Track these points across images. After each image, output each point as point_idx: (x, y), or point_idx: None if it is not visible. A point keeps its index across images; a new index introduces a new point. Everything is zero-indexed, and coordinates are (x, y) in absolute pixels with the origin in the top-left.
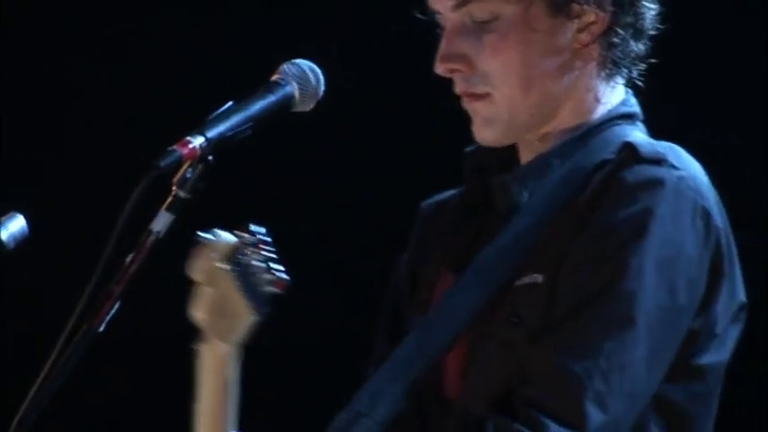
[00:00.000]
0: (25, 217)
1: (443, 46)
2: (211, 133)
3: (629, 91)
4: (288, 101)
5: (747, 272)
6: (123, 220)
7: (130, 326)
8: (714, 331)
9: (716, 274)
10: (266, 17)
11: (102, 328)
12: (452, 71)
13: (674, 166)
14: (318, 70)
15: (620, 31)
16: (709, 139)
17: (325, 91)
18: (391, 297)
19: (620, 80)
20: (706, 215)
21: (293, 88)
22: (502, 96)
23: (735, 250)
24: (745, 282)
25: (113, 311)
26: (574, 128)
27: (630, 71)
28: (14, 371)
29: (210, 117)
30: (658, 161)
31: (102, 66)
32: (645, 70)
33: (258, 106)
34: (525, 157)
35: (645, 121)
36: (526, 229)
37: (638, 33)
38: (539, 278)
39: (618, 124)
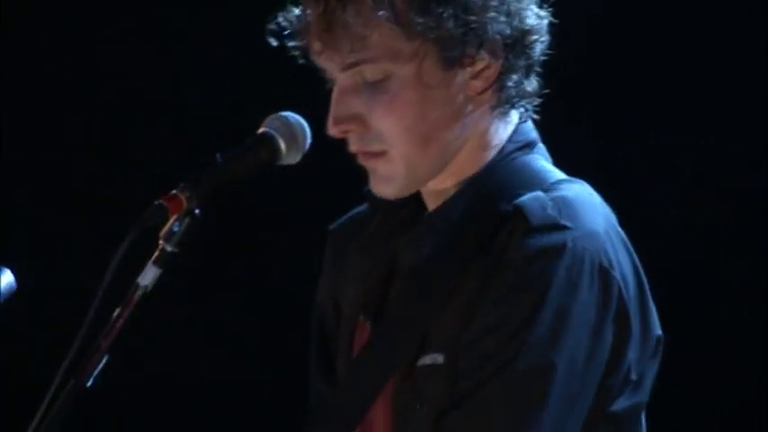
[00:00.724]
0: (12, 271)
1: (334, 108)
2: (198, 186)
3: (524, 117)
4: (274, 154)
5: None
6: (110, 274)
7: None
8: (629, 378)
9: (623, 327)
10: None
11: (89, 383)
12: (346, 132)
13: (566, 227)
14: (304, 122)
15: (513, 75)
16: (709, 140)
17: (311, 143)
18: (318, 325)
19: (515, 114)
20: (604, 273)
21: (279, 141)
22: (399, 154)
23: (645, 286)
24: (745, 285)
25: (101, 365)
26: (470, 170)
27: (525, 107)
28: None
29: (197, 171)
30: (549, 227)
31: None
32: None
33: (244, 160)
34: (427, 196)
35: (546, 141)
36: (427, 294)
37: (529, 70)
38: (439, 358)
39: (513, 158)
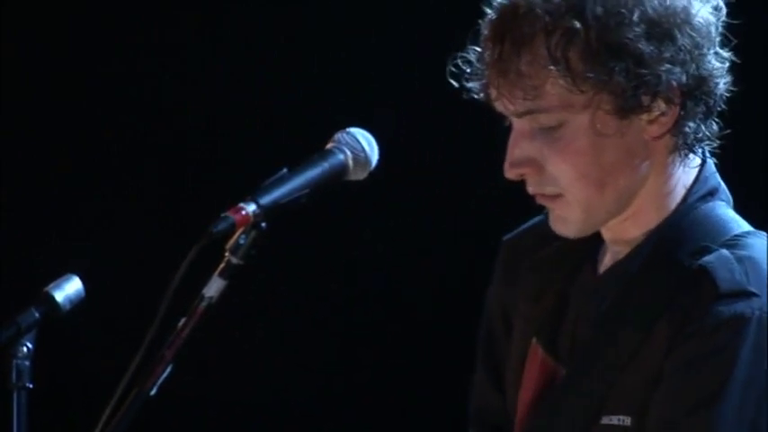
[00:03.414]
0: (81, 279)
1: (510, 152)
2: (264, 200)
3: (707, 160)
4: (341, 169)
5: None
6: (175, 284)
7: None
8: None
9: None
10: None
11: (153, 392)
12: (521, 175)
13: (753, 294)
14: (372, 139)
15: (691, 121)
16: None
17: (379, 159)
18: (487, 335)
19: (697, 159)
20: None
21: (347, 157)
22: (574, 198)
23: None
24: None
25: (165, 375)
26: (653, 219)
27: (704, 150)
28: None
29: (264, 184)
30: (737, 294)
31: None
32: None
33: (312, 174)
34: (611, 241)
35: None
36: (613, 350)
37: (709, 114)
38: (627, 421)
39: (696, 207)
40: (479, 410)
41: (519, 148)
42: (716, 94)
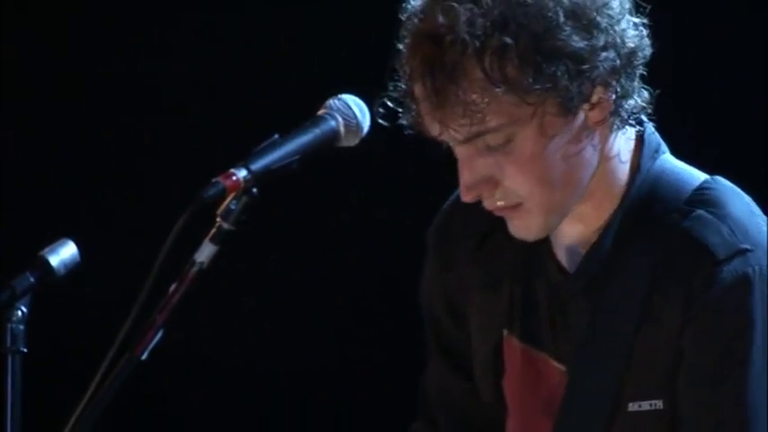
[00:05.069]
0: (76, 243)
1: (465, 177)
2: (256, 166)
3: (644, 123)
4: (333, 136)
5: None
6: (166, 249)
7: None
8: None
9: None
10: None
11: (144, 356)
12: (479, 195)
13: (747, 251)
14: (364, 105)
15: (628, 98)
16: (708, 140)
17: (370, 126)
18: (433, 325)
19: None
20: None
21: (338, 123)
22: (534, 204)
23: None
24: None
25: (156, 340)
26: (610, 196)
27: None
28: (56, 397)
29: (255, 150)
30: (734, 255)
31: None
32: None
33: (303, 140)
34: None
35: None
36: (613, 327)
37: (640, 84)
38: (659, 404)
39: (648, 170)
40: (442, 393)
41: (472, 171)
42: (642, 65)
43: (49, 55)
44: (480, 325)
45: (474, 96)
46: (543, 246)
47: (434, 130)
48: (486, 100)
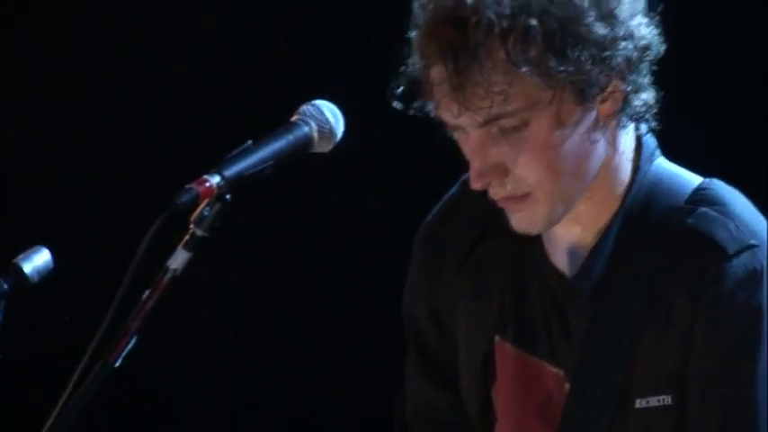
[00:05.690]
0: (50, 250)
1: (477, 162)
2: (229, 172)
3: (640, 126)
4: (306, 141)
5: None
6: (139, 256)
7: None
8: None
9: None
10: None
11: (118, 364)
12: (489, 183)
13: (754, 246)
14: (338, 111)
15: (640, 93)
16: (708, 140)
17: (344, 132)
18: (414, 334)
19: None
20: None
21: (312, 129)
22: (544, 193)
23: None
24: None
25: (129, 347)
26: (611, 196)
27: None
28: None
29: (228, 156)
30: (743, 250)
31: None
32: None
33: (276, 146)
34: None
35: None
36: (616, 328)
37: (651, 81)
38: (668, 399)
39: (647, 172)
40: (424, 408)
41: (485, 157)
42: (654, 61)
43: (49, 55)
44: (469, 332)
45: (497, 77)
46: (537, 249)
47: (452, 112)
48: (508, 81)
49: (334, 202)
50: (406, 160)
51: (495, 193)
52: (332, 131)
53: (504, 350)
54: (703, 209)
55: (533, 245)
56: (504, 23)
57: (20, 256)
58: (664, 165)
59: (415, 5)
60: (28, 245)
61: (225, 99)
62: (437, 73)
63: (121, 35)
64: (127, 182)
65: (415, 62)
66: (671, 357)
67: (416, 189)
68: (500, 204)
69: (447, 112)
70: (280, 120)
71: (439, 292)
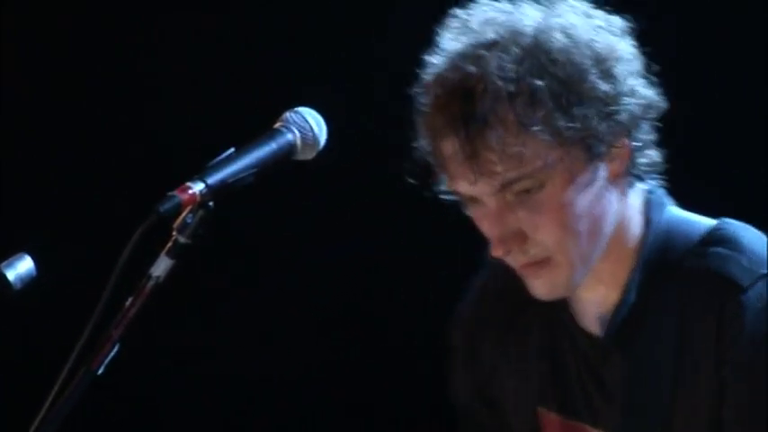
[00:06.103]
0: (32, 257)
1: (497, 231)
2: (212, 179)
3: (646, 180)
4: (289, 149)
5: None
6: (121, 263)
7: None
8: None
9: None
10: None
11: (100, 371)
12: (509, 251)
13: (765, 275)
14: (321, 119)
15: (645, 150)
16: (708, 140)
17: (327, 140)
18: (468, 422)
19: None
20: None
21: (295, 136)
22: (564, 257)
23: None
24: None
25: (112, 354)
26: (627, 253)
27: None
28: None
29: (211, 163)
30: (758, 280)
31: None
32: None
33: (259, 154)
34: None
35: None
36: (652, 382)
37: (654, 139)
38: None
39: (660, 223)
40: None
41: (504, 225)
42: (656, 119)
43: (49, 55)
44: (515, 407)
45: (509, 139)
46: (566, 314)
47: (468, 180)
48: (521, 142)
49: (329, 206)
50: (403, 161)
51: (517, 260)
52: (315, 139)
53: (550, 420)
54: (715, 248)
55: (563, 310)
56: (511, 87)
57: (2, 263)
58: (675, 212)
59: (416, 90)
60: (10, 251)
61: (225, 99)
62: (449, 145)
63: (121, 35)
64: (118, 186)
65: (423, 142)
66: (706, 400)
67: (412, 192)
68: (520, 272)
69: (463, 181)
70: (275, 119)
71: (482, 372)
